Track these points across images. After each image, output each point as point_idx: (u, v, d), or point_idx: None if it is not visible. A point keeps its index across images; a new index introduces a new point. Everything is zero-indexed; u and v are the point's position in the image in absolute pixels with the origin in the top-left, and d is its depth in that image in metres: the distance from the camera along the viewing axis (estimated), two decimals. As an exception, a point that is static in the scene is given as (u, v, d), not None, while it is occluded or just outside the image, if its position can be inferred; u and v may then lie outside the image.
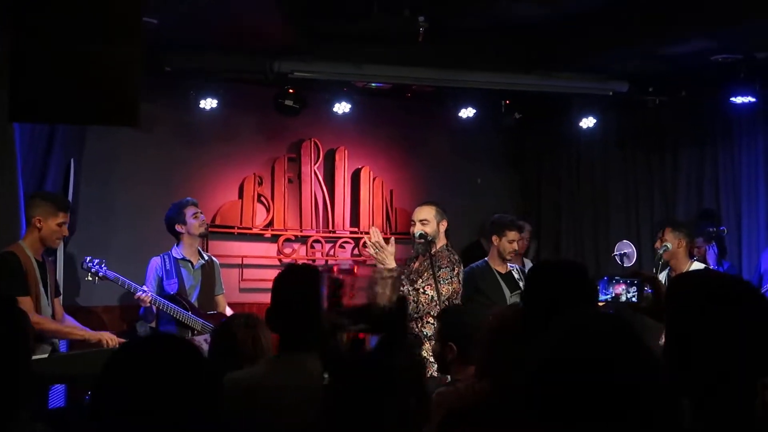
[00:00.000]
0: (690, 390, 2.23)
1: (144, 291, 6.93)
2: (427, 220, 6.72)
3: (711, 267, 7.68)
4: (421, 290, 6.28)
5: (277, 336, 3.43)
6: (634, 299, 3.45)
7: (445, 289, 6.30)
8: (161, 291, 7.18)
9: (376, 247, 6.28)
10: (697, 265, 7.40)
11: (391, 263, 6.25)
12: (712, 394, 2.20)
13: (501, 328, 3.35)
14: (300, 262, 9.42)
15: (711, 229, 8.27)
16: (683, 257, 7.40)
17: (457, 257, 6.67)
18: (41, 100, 1.62)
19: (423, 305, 6.20)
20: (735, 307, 2.24)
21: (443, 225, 6.75)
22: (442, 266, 6.46)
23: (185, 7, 6.52)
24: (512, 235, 7.64)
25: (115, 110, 1.79)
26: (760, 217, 8.71)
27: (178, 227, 7.29)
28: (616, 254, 8.20)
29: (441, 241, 6.71)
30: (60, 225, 6.18)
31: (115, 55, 1.76)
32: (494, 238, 7.67)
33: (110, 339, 6.16)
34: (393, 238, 6.62)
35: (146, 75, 7.41)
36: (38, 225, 6.11)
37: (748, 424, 2.20)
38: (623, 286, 3.47)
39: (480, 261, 7.84)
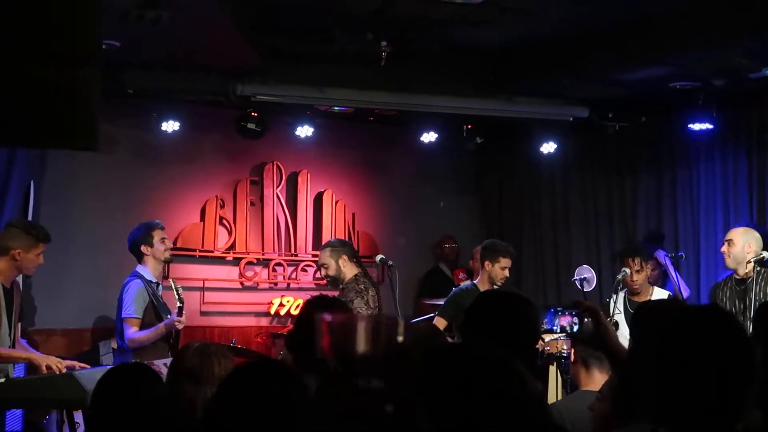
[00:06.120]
0: (653, 415, 2.18)
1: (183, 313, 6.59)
2: (325, 264, 6.98)
3: (671, 292, 7.72)
4: None
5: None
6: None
7: None
8: (158, 317, 6.66)
9: None
10: (658, 291, 7.45)
11: None
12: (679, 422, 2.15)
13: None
14: (261, 284, 9.41)
15: (669, 255, 8.32)
16: (647, 284, 7.45)
17: (363, 285, 6.82)
18: (-4, 124, 1.62)
19: None
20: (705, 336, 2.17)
21: (343, 260, 6.93)
22: (350, 299, 6.57)
23: (147, 30, 6.50)
24: (505, 261, 7.39)
25: (74, 134, 1.79)
26: (717, 243, 8.74)
27: (143, 248, 6.80)
28: (576, 279, 8.26)
29: (349, 273, 6.90)
30: (38, 255, 6.10)
31: (72, 78, 1.76)
32: (487, 263, 7.32)
33: (57, 364, 5.78)
34: None
35: (108, 97, 7.41)
36: (17, 258, 5.98)
37: None
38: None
39: (468, 283, 7.77)
